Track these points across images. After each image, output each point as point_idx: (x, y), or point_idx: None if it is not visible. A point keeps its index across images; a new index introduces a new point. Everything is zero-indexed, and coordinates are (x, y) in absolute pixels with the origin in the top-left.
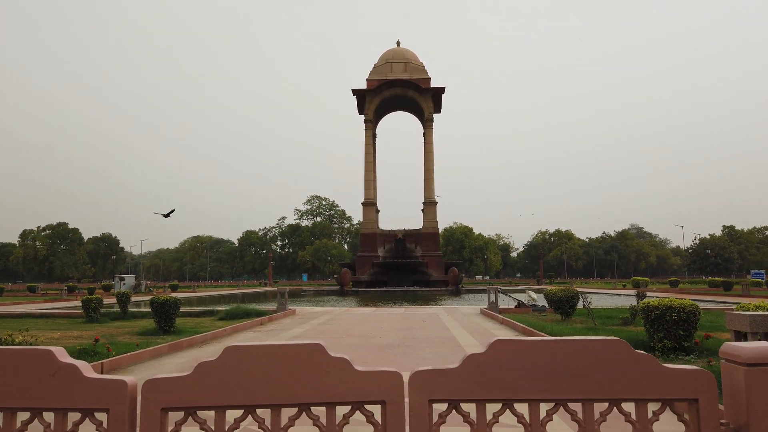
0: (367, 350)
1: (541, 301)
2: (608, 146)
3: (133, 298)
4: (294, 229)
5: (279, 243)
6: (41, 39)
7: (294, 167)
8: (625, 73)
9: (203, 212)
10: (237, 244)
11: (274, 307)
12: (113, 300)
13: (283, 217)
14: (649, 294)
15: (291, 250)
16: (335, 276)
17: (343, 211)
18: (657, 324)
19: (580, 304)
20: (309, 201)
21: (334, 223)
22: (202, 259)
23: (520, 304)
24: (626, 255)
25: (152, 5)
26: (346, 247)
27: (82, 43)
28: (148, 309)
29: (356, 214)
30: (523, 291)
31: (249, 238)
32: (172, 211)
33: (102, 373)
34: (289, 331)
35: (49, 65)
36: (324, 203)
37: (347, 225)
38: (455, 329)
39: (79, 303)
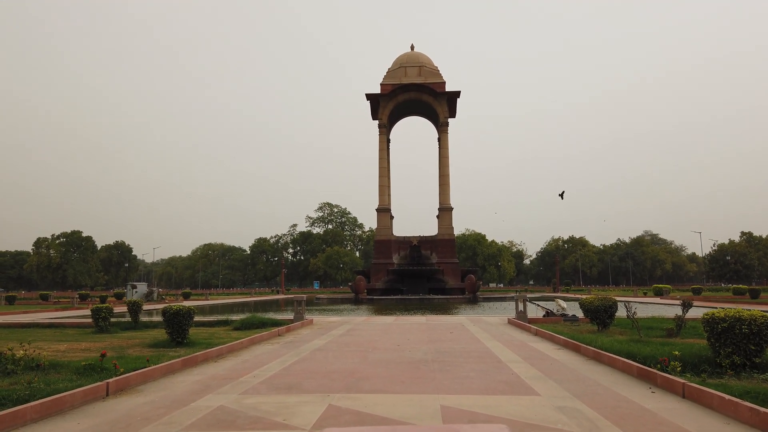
0: (400, 366)
1: (571, 310)
2: (621, 152)
3: (145, 307)
4: (306, 236)
5: (291, 250)
6: (65, 48)
7: (305, 174)
8: (634, 79)
9: (215, 219)
10: (249, 252)
11: (289, 317)
12: (125, 309)
13: (295, 225)
14: (672, 302)
15: (303, 258)
16: (349, 283)
17: (355, 219)
18: (724, 338)
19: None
20: (320, 208)
21: (346, 231)
22: (214, 266)
23: (548, 313)
24: (642, 262)
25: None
26: (357, 254)
27: (88, 47)
28: (160, 318)
29: (368, 222)
30: (543, 299)
31: (261, 245)
32: (563, 192)
33: (108, 394)
34: (309, 343)
35: (69, 69)
36: (336, 210)
37: (359, 232)
38: (488, 341)
39: (87, 312)
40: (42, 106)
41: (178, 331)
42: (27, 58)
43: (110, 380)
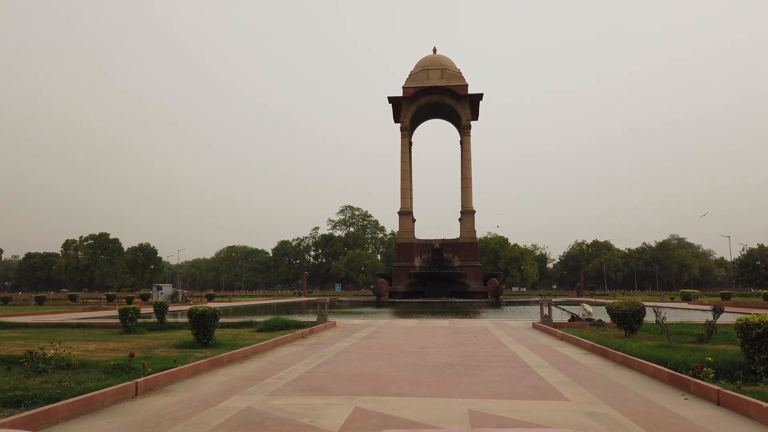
0: (425, 370)
1: (597, 314)
2: (649, 156)
3: (170, 308)
4: (327, 239)
5: (312, 253)
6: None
7: (328, 176)
8: (664, 78)
9: (239, 221)
10: (271, 254)
11: (311, 318)
12: (151, 310)
13: (317, 227)
14: (700, 307)
15: (324, 260)
16: (372, 286)
17: (376, 221)
18: (759, 344)
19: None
20: (342, 211)
21: (367, 233)
22: (237, 268)
23: (574, 317)
24: (668, 266)
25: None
26: (379, 257)
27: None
28: (185, 319)
29: (389, 225)
30: (567, 303)
31: (283, 248)
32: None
33: (137, 393)
34: (333, 345)
35: (99, 72)
36: (357, 213)
37: (380, 235)
38: (513, 345)
39: (115, 312)
40: (72, 111)
41: (203, 332)
42: (58, 64)
43: (139, 380)
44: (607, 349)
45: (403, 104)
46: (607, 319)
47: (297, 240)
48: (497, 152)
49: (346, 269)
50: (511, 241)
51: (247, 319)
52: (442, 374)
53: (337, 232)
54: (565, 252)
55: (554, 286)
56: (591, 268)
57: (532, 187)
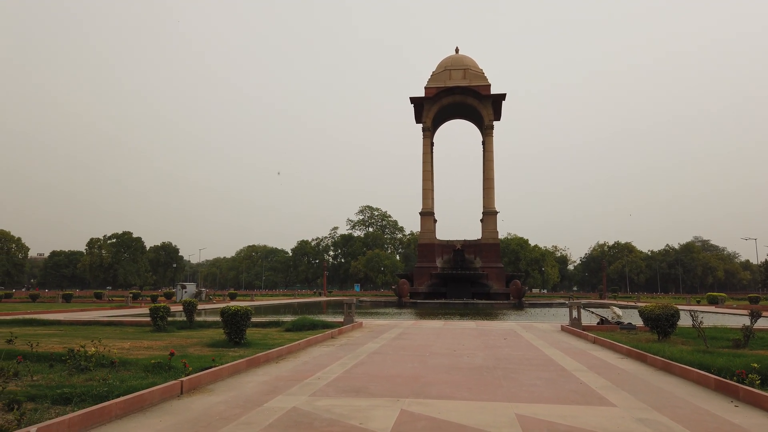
0: (461, 373)
1: (625, 317)
2: (674, 157)
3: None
4: (346, 239)
5: (331, 253)
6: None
7: (347, 178)
8: (685, 74)
9: (258, 221)
10: (291, 254)
11: (336, 319)
12: (176, 308)
13: (336, 227)
14: (728, 311)
15: (343, 260)
16: (393, 287)
17: (395, 222)
18: None
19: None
20: (361, 211)
21: (386, 234)
22: (257, 268)
23: (603, 320)
24: (692, 269)
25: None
26: (398, 257)
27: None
28: (212, 318)
29: (408, 225)
30: (593, 306)
31: (303, 248)
32: None
33: (182, 392)
34: (364, 346)
35: (117, 79)
36: (376, 213)
37: (399, 235)
38: (546, 349)
39: (143, 310)
40: (94, 117)
41: (236, 331)
42: (68, 65)
43: (184, 379)
44: (646, 353)
45: (425, 104)
46: (636, 322)
47: (316, 240)
48: (516, 148)
49: (365, 269)
50: (532, 242)
51: (274, 318)
52: (480, 377)
53: (356, 232)
54: (586, 253)
55: (575, 288)
56: (612, 270)
57: (549, 185)
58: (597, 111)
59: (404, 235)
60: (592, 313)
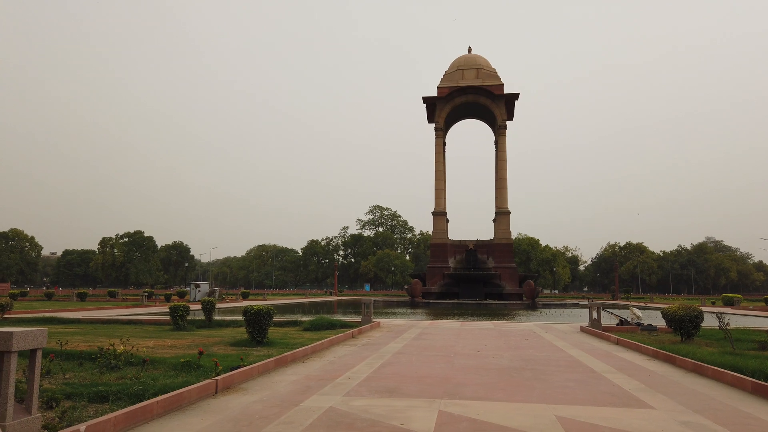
0: (491, 373)
1: (646, 319)
2: (686, 157)
3: (197, 307)
4: (356, 239)
5: (341, 252)
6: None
7: (357, 178)
8: (699, 73)
9: (269, 220)
10: (301, 254)
11: (353, 318)
12: (194, 307)
13: (346, 227)
14: (745, 312)
15: (353, 260)
16: (405, 287)
17: (405, 222)
18: None
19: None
20: (371, 211)
21: (396, 234)
22: (267, 267)
23: (622, 321)
24: (705, 270)
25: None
26: (407, 257)
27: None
28: (230, 317)
29: (418, 225)
30: (605, 307)
31: (312, 247)
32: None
33: (217, 391)
34: (386, 346)
35: (122, 86)
36: (386, 213)
37: (409, 235)
38: (570, 350)
39: (159, 309)
40: (108, 125)
41: (258, 330)
42: (73, 67)
43: (218, 378)
44: (675, 355)
45: (437, 104)
46: (656, 323)
47: (326, 239)
48: (522, 147)
49: (375, 269)
50: (543, 243)
51: (292, 318)
52: (510, 378)
53: (366, 232)
54: (597, 254)
55: (585, 289)
56: (624, 270)
57: (557, 184)
58: (607, 106)
59: (414, 235)
60: (612, 314)
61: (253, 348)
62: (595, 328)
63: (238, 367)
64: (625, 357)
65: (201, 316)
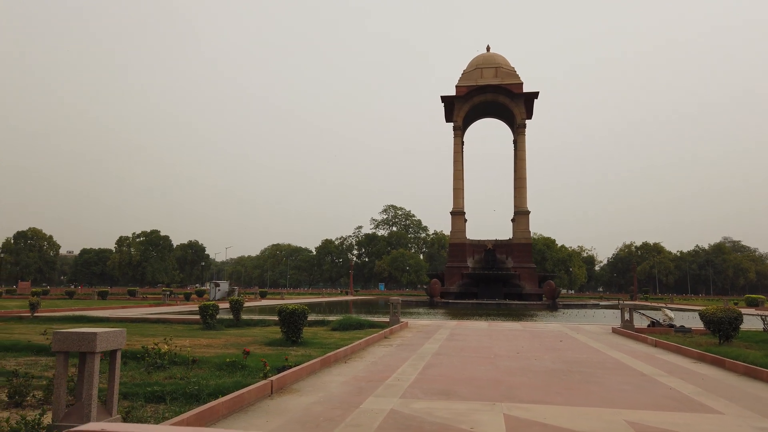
0: (540, 376)
1: (678, 320)
2: (703, 158)
3: (222, 306)
4: (370, 238)
5: (355, 252)
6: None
7: (370, 176)
8: (717, 70)
9: (283, 220)
10: (315, 253)
11: (377, 318)
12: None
13: (360, 227)
14: None
15: (367, 260)
16: (424, 286)
17: (419, 221)
18: None
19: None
20: (385, 210)
21: (410, 233)
22: (282, 266)
23: (653, 323)
24: (723, 270)
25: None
26: (421, 257)
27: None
28: (256, 316)
29: (432, 224)
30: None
31: (327, 247)
32: None
33: (272, 391)
34: (422, 347)
35: (148, 72)
36: (400, 213)
37: (423, 235)
38: (609, 352)
39: (181, 308)
40: (119, 110)
41: (293, 330)
42: (77, 67)
43: (273, 378)
44: (723, 358)
45: (456, 103)
46: (687, 324)
47: (340, 239)
48: (537, 143)
49: (389, 269)
50: (558, 242)
51: (320, 317)
52: (561, 381)
53: (380, 232)
54: (613, 254)
55: (600, 289)
56: (640, 270)
57: (582, 188)
58: (619, 101)
59: (428, 234)
60: (643, 315)
61: (289, 348)
62: (628, 330)
63: (285, 367)
64: (670, 359)
65: (229, 316)
